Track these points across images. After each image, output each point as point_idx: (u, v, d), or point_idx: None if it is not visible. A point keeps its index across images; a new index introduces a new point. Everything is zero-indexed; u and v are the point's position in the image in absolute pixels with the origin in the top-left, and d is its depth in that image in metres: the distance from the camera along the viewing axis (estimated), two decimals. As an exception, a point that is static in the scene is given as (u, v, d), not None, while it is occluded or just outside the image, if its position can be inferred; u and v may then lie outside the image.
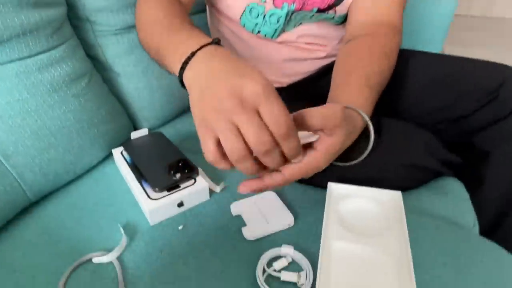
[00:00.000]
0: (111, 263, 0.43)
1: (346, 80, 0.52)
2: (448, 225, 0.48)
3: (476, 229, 0.54)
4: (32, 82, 0.50)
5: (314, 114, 0.37)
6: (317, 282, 0.36)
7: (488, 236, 0.48)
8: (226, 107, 0.33)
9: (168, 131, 0.66)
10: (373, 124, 0.47)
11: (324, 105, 0.40)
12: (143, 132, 0.61)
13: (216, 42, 0.41)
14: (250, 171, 0.35)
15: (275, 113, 0.32)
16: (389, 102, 0.64)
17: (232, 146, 0.33)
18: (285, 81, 0.73)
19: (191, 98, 0.38)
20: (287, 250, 0.41)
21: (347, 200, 0.47)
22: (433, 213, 0.51)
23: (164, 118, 0.74)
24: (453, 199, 0.55)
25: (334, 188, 0.49)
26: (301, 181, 0.57)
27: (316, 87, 0.71)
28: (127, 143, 0.59)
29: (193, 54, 0.40)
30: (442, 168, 0.57)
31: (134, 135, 0.60)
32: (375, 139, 0.47)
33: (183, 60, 0.40)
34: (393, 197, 0.47)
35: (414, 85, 0.64)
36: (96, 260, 0.43)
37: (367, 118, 0.46)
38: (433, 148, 0.56)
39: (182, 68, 0.40)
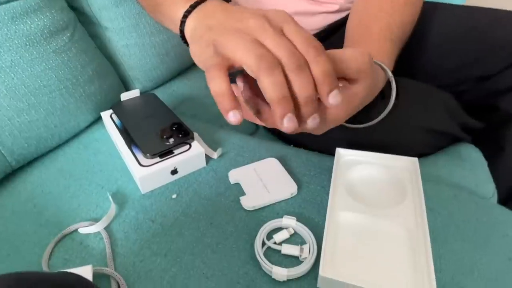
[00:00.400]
0: (99, 233, 0.40)
1: (365, 32, 0.46)
2: (466, 194, 0.43)
3: (495, 199, 0.50)
4: (5, 34, 0.44)
5: (339, 54, 0.31)
6: (321, 257, 0.32)
7: (505, 206, 0.45)
8: (251, 25, 0.29)
9: (162, 94, 0.61)
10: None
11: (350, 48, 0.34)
12: (134, 93, 0.56)
13: None
14: (280, 86, 0.28)
15: (301, 31, 0.29)
16: (405, 60, 0.58)
17: (261, 56, 0.28)
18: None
19: (197, 33, 0.34)
20: (289, 222, 0.38)
21: (357, 167, 0.43)
22: (450, 181, 0.47)
23: (157, 79, 0.68)
24: (471, 166, 0.51)
25: (343, 154, 0.44)
26: (306, 146, 0.53)
27: (326, 44, 0.65)
28: (116, 105, 0.54)
29: (203, 0, 0.36)
30: (461, 133, 0.53)
31: (125, 96, 0.55)
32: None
33: (191, 3, 0.37)
34: (409, 163, 0.42)
35: (433, 40, 0.57)
36: (82, 230, 0.39)
37: (390, 73, 0.41)
38: (453, 111, 0.51)
39: (188, 11, 0.36)
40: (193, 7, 0.37)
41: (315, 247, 0.35)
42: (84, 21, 0.59)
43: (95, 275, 0.34)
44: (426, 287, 0.30)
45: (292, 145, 0.54)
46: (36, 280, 0.22)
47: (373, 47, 0.43)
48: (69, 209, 0.43)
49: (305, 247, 0.35)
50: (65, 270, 0.32)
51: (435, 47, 0.57)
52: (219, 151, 0.49)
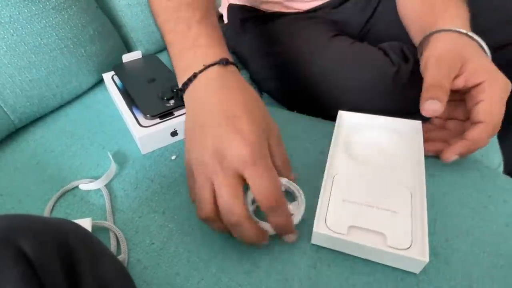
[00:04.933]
0: (99, 190, 0.40)
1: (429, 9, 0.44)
2: (470, 162, 0.42)
3: (501, 169, 0.48)
4: (2, -12, 0.43)
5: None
6: (316, 213, 0.33)
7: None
8: (207, 162, 0.30)
9: (166, 57, 0.60)
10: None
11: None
12: (136, 55, 0.56)
13: (224, 63, 0.35)
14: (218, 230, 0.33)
15: (263, 184, 0.29)
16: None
17: (200, 204, 0.31)
18: (303, 6, 0.64)
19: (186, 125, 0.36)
20: (280, 180, 0.37)
21: (358, 129, 0.42)
22: (455, 150, 0.46)
23: (161, 42, 0.67)
24: (479, 136, 0.49)
25: (345, 117, 0.43)
26: (310, 112, 0.52)
27: (337, 13, 0.62)
28: (118, 67, 0.53)
29: (195, 76, 0.35)
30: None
31: (126, 58, 0.55)
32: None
33: (185, 79, 0.36)
34: (412, 127, 0.41)
35: None
36: (83, 187, 0.40)
37: (482, 43, 0.40)
38: None
39: (183, 90, 0.36)
40: (186, 84, 0.35)
41: (303, 204, 0.35)
42: (84, -21, 0.58)
43: (94, 228, 0.35)
44: (418, 247, 0.30)
45: (295, 111, 0.53)
46: (31, 220, 0.22)
47: (445, 21, 0.41)
48: (71, 167, 0.43)
49: (293, 205, 0.35)
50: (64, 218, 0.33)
51: None
52: (220, 114, 0.49)
